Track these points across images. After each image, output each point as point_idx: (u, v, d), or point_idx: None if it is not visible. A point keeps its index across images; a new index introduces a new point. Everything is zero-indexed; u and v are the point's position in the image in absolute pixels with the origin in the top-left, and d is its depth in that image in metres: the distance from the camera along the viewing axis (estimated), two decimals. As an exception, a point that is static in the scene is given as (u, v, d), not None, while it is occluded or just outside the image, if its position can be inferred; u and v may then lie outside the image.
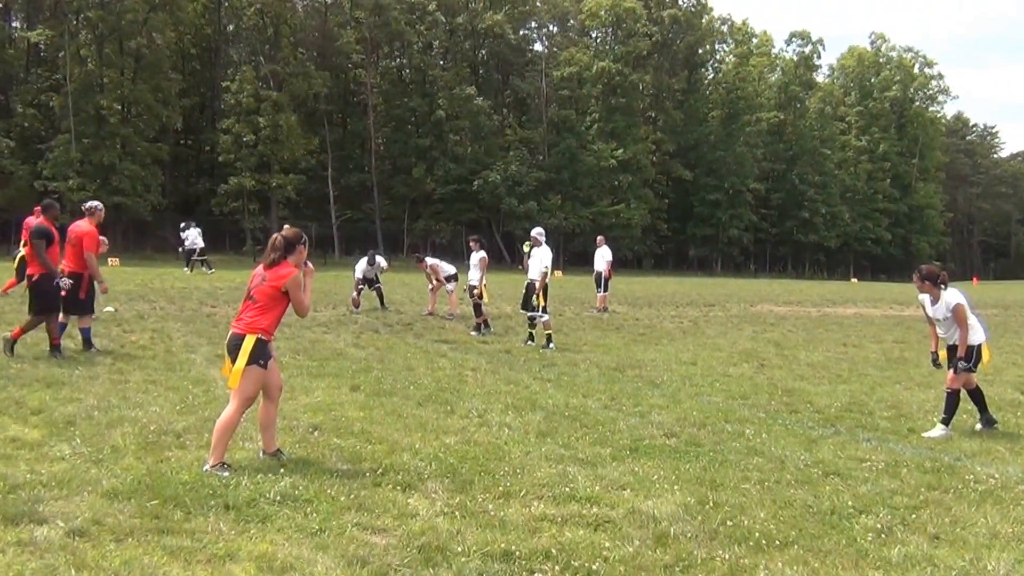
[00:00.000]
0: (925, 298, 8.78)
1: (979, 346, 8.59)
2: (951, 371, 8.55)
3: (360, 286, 20.53)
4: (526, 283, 15.42)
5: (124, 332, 14.16)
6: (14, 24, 58.53)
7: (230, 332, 6.53)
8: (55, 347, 11.38)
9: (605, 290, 23.39)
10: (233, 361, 6.32)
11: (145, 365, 10.90)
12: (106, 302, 18.87)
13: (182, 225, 37.10)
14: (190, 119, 62.88)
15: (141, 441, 6.92)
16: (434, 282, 20.27)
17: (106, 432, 7.18)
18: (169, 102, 55.50)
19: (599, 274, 23.47)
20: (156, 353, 12.02)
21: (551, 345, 14.62)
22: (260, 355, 6.35)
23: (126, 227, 55.36)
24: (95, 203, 12.71)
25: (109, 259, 40.48)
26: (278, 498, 5.56)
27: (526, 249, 17.21)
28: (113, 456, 6.45)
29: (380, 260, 21.15)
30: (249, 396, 6.40)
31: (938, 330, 8.83)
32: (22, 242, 20.07)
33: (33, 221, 20.11)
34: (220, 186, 57.37)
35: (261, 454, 6.62)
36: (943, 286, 8.61)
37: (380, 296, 20.94)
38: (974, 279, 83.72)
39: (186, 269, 34.93)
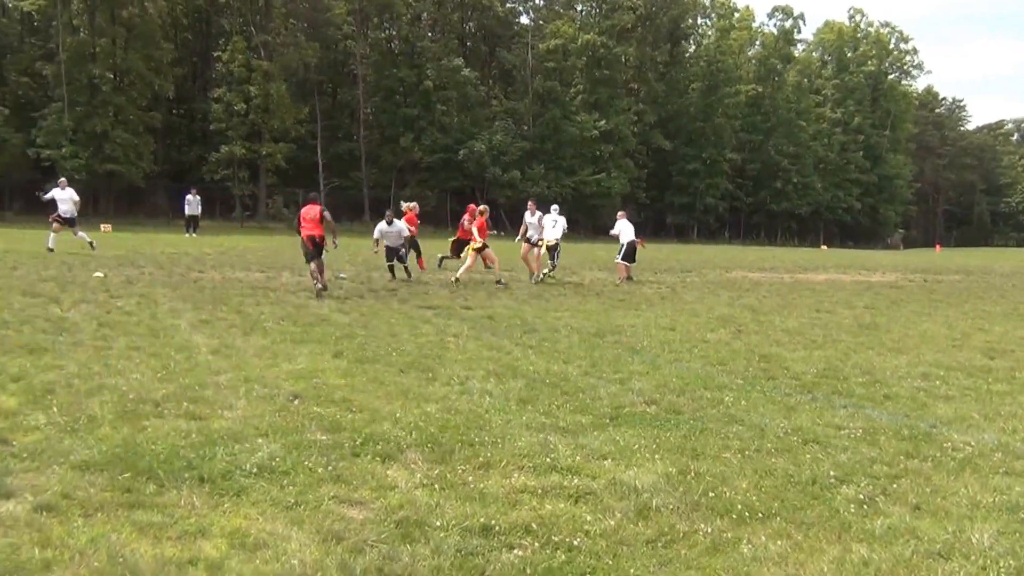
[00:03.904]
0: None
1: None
2: None
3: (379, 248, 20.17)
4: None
5: (111, 298, 14.01)
6: (6, -7, 58.13)
7: None
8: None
9: (632, 261, 22.93)
10: None
11: (130, 331, 10.78)
12: (96, 267, 18.85)
13: (194, 191, 39.68)
14: (182, 88, 62.58)
15: (119, 410, 6.79)
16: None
17: (84, 401, 7.06)
18: (161, 71, 55.42)
19: (632, 244, 22.78)
20: (141, 319, 11.89)
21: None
22: None
23: (119, 194, 55.46)
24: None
25: (101, 225, 40.67)
26: (254, 470, 5.45)
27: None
28: (89, 426, 6.33)
29: (399, 223, 20.16)
30: None
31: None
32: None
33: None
34: (211, 154, 57.43)
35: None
36: None
37: (406, 269, 20.35)
38: (937, 246, 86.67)
39: (192, 233, 37.97)
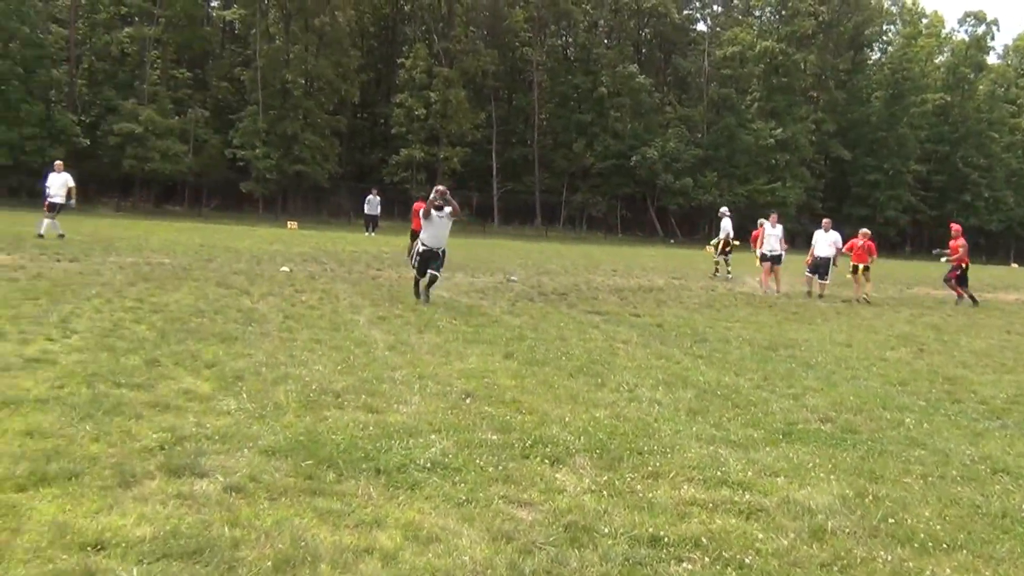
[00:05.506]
0: None
1: None
2: None
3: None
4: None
5: (296, 292, 14.70)
6: (212, 4, 62.24)
7: None
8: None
9: (824, 278, 22.25)
10: None
11: (312, 324, 11.24)
12: (282, 262, 19.82)
13: (375, 192, 41.75)
14: (366, 93, 64.94)
15: (302, 399, 7.09)
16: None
17: (271, 388, 7.41)
18: (348, 77, 57.84)
19: (825, 260, 22.55)
20: (323, 313, 12.39)
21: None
22: None
23: (305, 193, 58.17)
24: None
25: (288, 223, 42.73)
26: (428, 465, 5.58)
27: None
28: (275, 413, 6.64)
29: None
30: None
31: None
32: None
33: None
34: (391, 157, 59.67)
35: None
36: None
37: (427, 289, 14.62)
38: None
39: (372, 232, 39.72)
